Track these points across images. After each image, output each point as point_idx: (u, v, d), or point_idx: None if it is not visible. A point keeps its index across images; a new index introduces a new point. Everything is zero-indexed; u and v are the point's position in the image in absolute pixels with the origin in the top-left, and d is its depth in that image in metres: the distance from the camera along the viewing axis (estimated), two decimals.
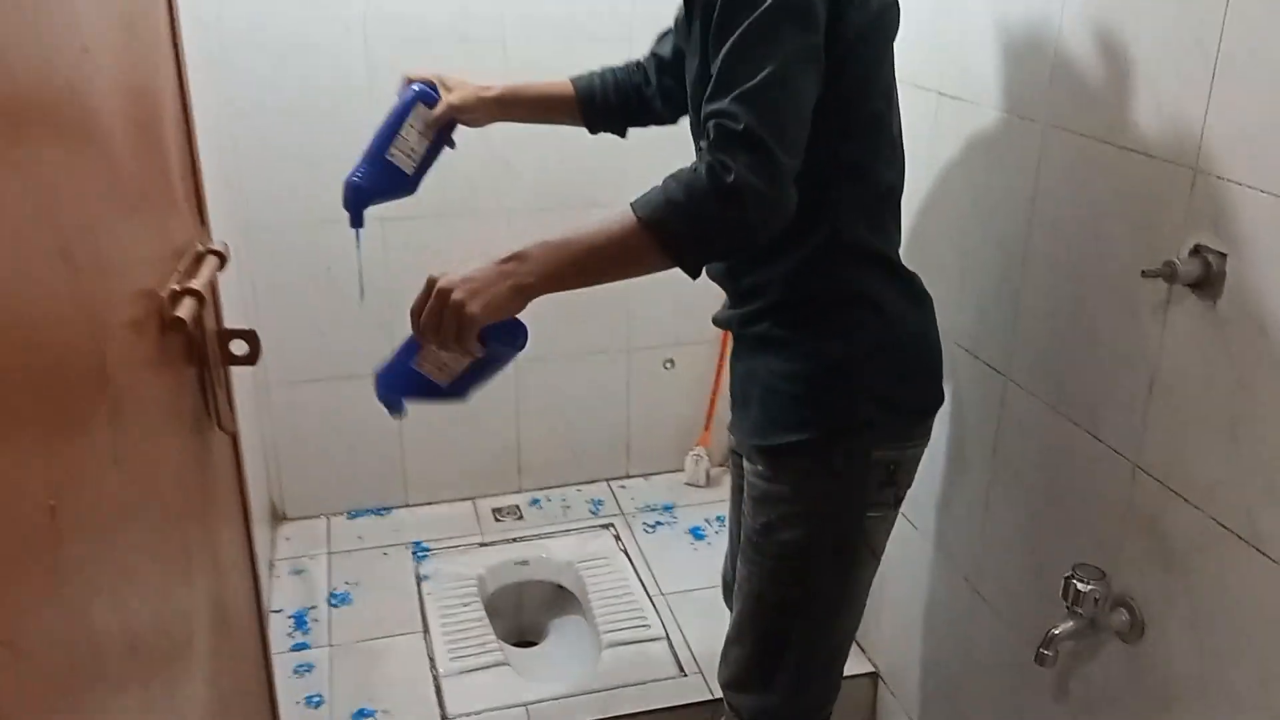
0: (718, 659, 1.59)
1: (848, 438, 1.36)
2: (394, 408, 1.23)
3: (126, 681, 0.80)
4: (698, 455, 2.84)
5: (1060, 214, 1.46)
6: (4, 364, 0.60)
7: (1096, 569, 1.41)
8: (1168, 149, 1.26)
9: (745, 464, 1.48)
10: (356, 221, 1.56)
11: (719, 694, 1.91)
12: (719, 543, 2.59)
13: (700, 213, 1.11)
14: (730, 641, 1.55)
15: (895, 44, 1.31)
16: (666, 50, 1.57)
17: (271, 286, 2.47)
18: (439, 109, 1.57)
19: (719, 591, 1.80)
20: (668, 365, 2.80)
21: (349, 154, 2.41)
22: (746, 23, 1.10)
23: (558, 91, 1.61)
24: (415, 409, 1.27)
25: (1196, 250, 1.22)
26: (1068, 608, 1.41)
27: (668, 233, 1.12)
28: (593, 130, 1.64)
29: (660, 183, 1.15)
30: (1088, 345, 1.44)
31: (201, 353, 1.09)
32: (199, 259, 1.11)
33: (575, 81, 1.61)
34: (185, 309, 0.97)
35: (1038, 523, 1.58)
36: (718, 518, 2.71)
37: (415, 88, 1.57)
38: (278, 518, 2.71)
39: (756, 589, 1.46)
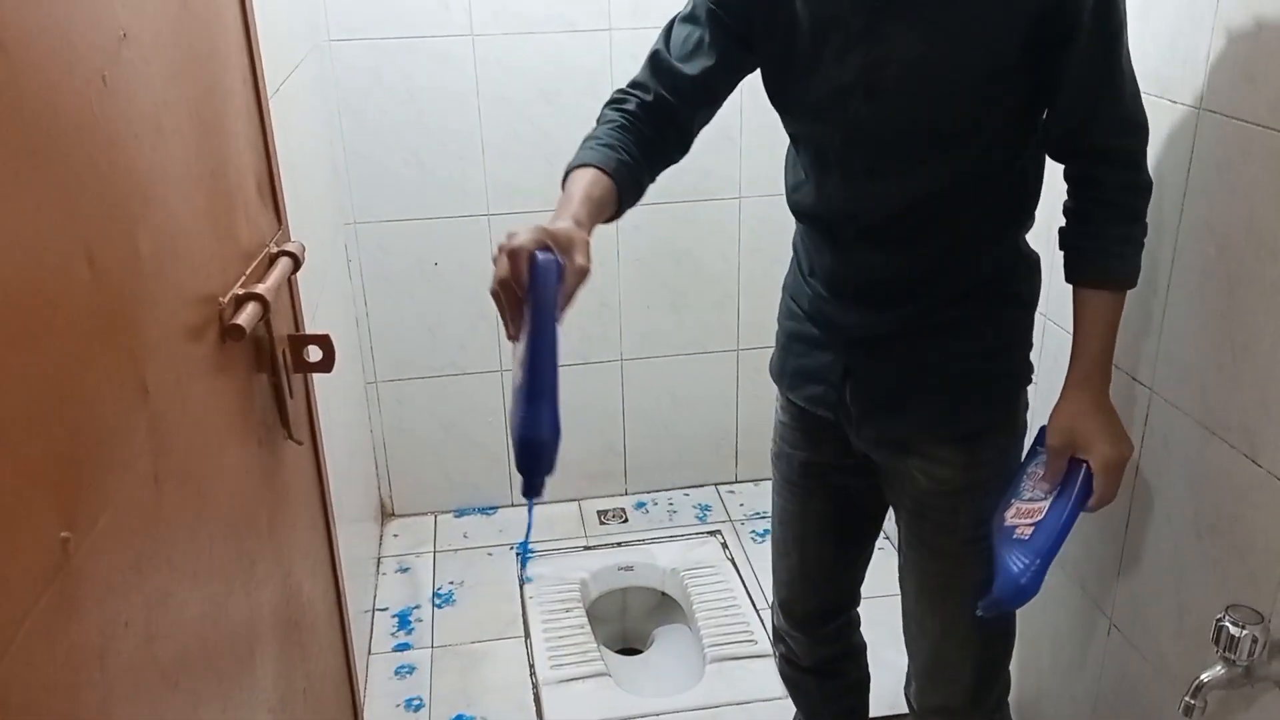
0: None
1: (1024, 394, 1.39)
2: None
3: (162, 701, 0.75)
4: None
5: (1213, 210, 1.31)
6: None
7: (1253, 611, 1.25)
8: None
9: (915, 464, 1.36)
10: (537, 490, 1.01)
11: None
12: None
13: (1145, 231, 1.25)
14: (938, 665, 1.47)
15: None
16: (696, 70, 1.29)
17: (379, 280, 2.46)
18: (572, 282, 1.04)
19: None
20: None
21: (455, 148, 2.39)
22: (1120, 38, 1.16)
23: (600, 194, 1.22)
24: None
25: None
26: (1219, 653, 1.25)
27: (1138, 272, 1.25)
28: (618, 214, 1.29)
29: (1094, 241, 1.24)
30: (1244, 357, 1.27)
31: (272, 359, 1.05)
32: (272, 261, 1.07)
33: (603, 168, 1.23)
34: (245, 315, 0.92)
35: (1184, 555, 1.42)
36: None
37: (548, 261, 1.01)
38: (386, 514, 2.71)
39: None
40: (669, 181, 2.58)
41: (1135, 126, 1.21)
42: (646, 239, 2.49)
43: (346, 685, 1.34)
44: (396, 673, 2.18)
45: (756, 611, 2.30)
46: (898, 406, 1.35)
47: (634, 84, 1.35)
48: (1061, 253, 1.29)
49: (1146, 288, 1.43)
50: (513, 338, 1.01)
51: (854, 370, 1.36)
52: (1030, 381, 1.36)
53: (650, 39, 1.40)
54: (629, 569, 2.48)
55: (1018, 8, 1.11)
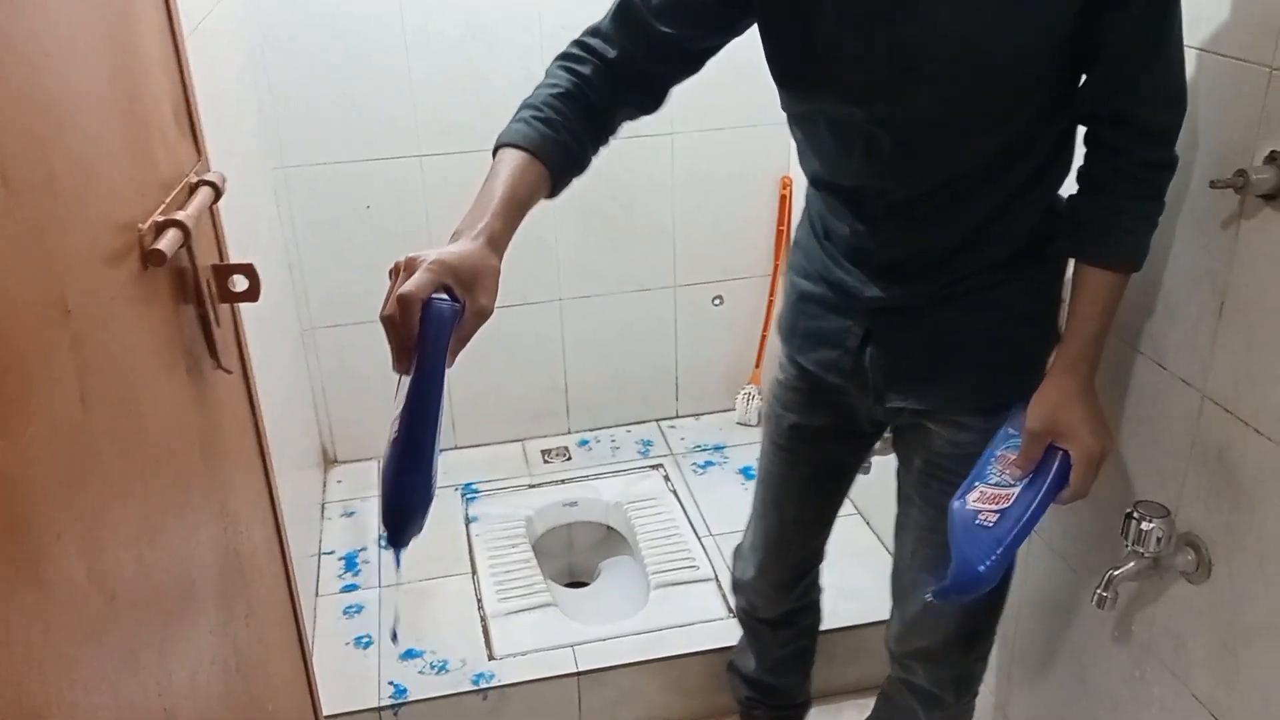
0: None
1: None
2: None
3: (102, 632, 0.77)
4: (749, 394, 2.77)
5: None
6: None
7: (1160, 506, 1.31)
8: (1241, 45, 1.14)
9: (935, 428, 1.33)
10: (404, 545, 0.95)
11: None
12: None
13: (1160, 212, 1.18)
14: (927, 616, 1.45)
15: None
16: (672, 29, 1.18)
17: (311, 226, 2.44)
18: (470, 325, 0.99)
19: None
20: (716, 302, 2.72)
21: (383, 87, 2.36)
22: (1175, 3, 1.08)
23: (527, 191, 1.12)
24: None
25: (1272, 157, 1.11)
26: (1129, 547, 1.32)
27: (1145, 252, 1.19)
28: (555, 194, 1.19)
29: (1111, 216, 1.16)
30: (1148, 264, 1.33)
31: (197, 289, 1.05)
32: (192, 190, 1.07)
33: (535, 152, 1.13)
34: (166, 241, 0.92)
35: None
36: None
37: (444, 307, 0.95)
38: (329, 461, 2.71)
39: None
40: None
41: (1175, 100, 1.13)
42: (584, 176, 2.48)
43: (290, 613, 1.36)
44: (345, 613, 2.20)
45: (699, 539, 2.35)
46: (925, 379, 1.30)
47: (596, 32, 1.19)
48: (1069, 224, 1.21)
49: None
50: (398, 371, 0.94)
51: (876, 338, 1.30)
52: (1060, 340, 1.27)
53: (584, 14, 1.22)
54: (573, 505, 2.52)
55: None
